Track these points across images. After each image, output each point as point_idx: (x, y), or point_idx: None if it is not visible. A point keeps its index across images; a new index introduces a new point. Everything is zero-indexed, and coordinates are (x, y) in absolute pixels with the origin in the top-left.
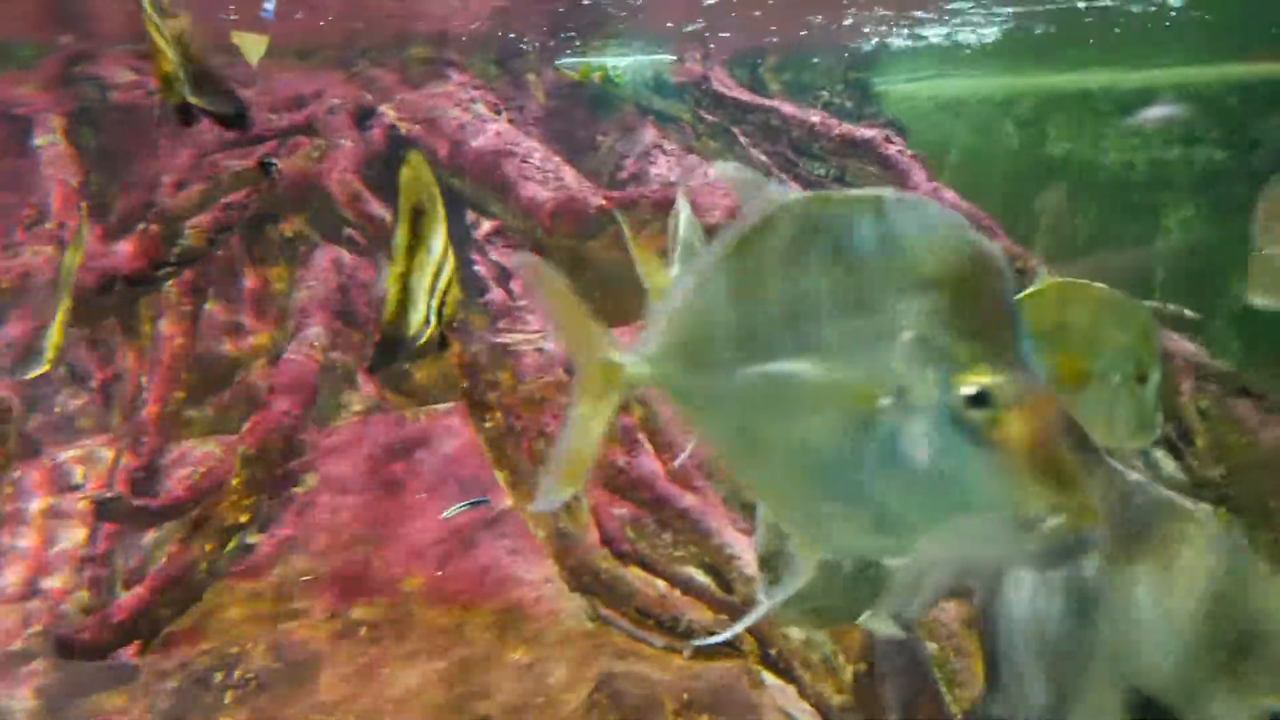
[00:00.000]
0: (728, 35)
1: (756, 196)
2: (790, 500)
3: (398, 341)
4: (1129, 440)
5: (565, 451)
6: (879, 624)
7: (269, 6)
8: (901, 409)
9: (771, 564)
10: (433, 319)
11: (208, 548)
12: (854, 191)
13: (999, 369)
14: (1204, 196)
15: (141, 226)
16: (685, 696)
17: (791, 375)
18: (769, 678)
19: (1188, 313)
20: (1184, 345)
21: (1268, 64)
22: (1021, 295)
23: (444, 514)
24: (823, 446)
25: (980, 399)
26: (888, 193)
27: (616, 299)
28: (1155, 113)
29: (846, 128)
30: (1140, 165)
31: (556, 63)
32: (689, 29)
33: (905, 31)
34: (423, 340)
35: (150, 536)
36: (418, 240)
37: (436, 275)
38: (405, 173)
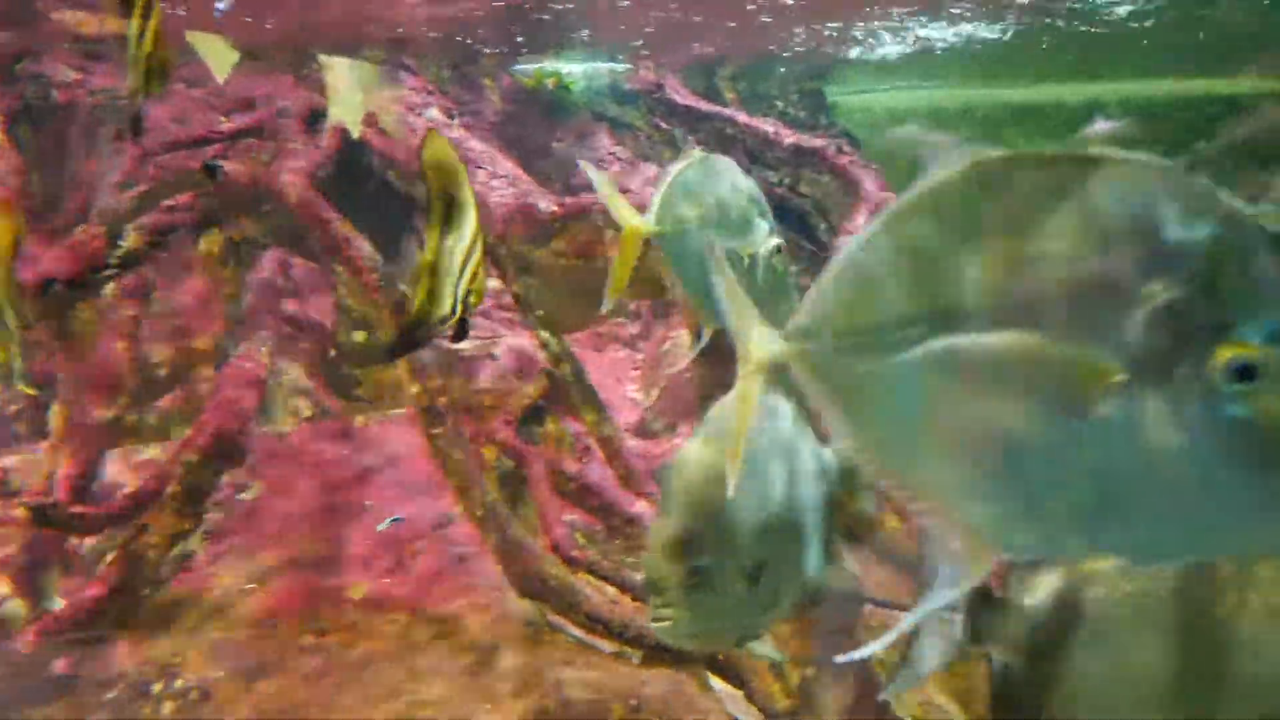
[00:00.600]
0: (684, 44)
1: (941, 156)
2: (969, 495)
3: (422, 328)
4: None
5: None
6: (761, 647)
7: (221, 6)
8: (1139, 386)
9: (659, 587)
10: (458, 308)
11: (149, 555)
12: (1067, 150)
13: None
14: None
15: (81, 228)
16: (633, 702)
17: (993, 350)
18: (717, 683)
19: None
20: None
21: (1209, 80)
22: None
23: (378, 527)
24: (1028, 430)
25: (1245, 373)
26: (1114, 152)
27: (569, 304)
28: (1101, 127)
29: (799, 137)
30: None
31: (512, 68)
32: (644, 37)
33: (860, 44)
34: (445, 326)
35: (90, 544)
36: (448, 226)
37: (465, 261)
38: (428, 154)
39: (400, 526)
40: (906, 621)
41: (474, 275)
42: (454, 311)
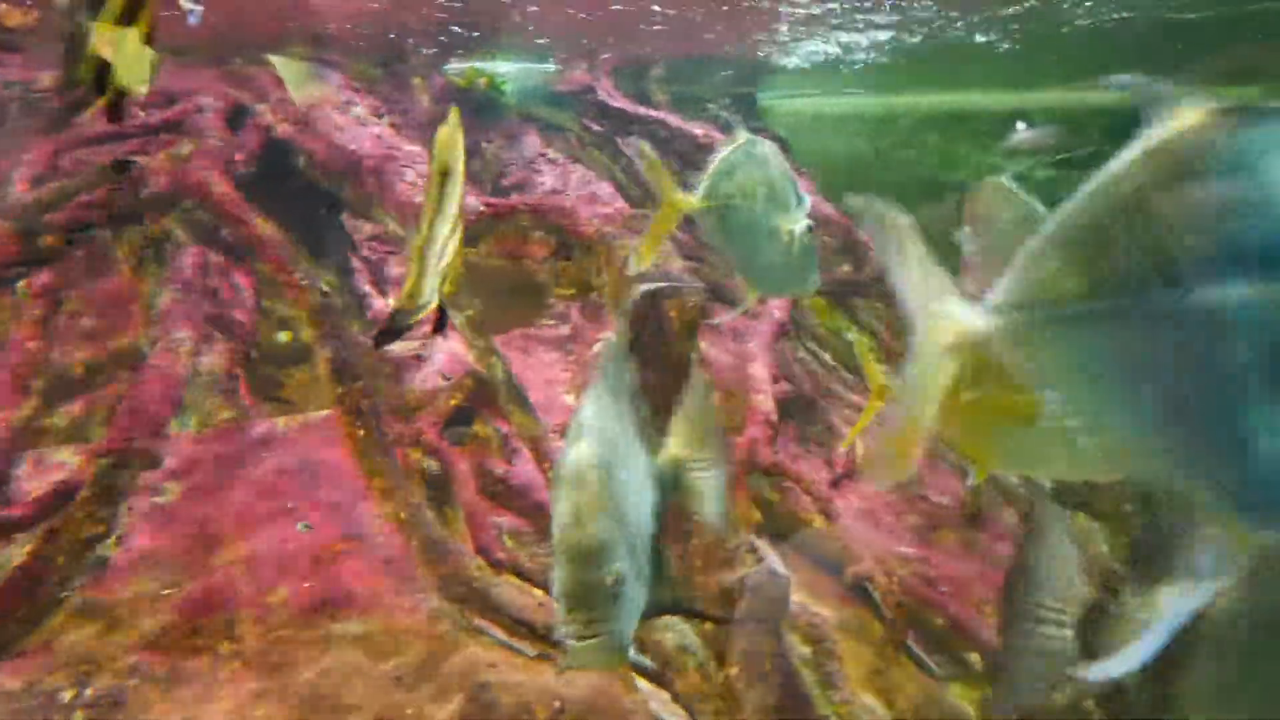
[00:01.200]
0: (615, 45)
1: (1168, 105)
2: (1230, 465)
3: (405, 315)
4: (1095, 474)
5: (897, 422)
6: (639, 656)
7: (195, 8)
8: None
9: (587, 601)
10: (434, 296)
11: (59, 560)
12: None
13: None
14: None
15: None
16: (557, 704)
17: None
18: (642, 683)
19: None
20: None
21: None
22: None
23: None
24: None
25: None
26: None
27: (497, 305)
28: (1027, 134)
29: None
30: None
31: (444, 67)
32: (576, 38)
33: (791, 49)
34: (421, 315)
35: None
36: (438, 208)
37: (444, 248)
38: (440, 131)
39: (322, 529)
40: (1169, 621)
41: (451, 264)
42: (431, 300)
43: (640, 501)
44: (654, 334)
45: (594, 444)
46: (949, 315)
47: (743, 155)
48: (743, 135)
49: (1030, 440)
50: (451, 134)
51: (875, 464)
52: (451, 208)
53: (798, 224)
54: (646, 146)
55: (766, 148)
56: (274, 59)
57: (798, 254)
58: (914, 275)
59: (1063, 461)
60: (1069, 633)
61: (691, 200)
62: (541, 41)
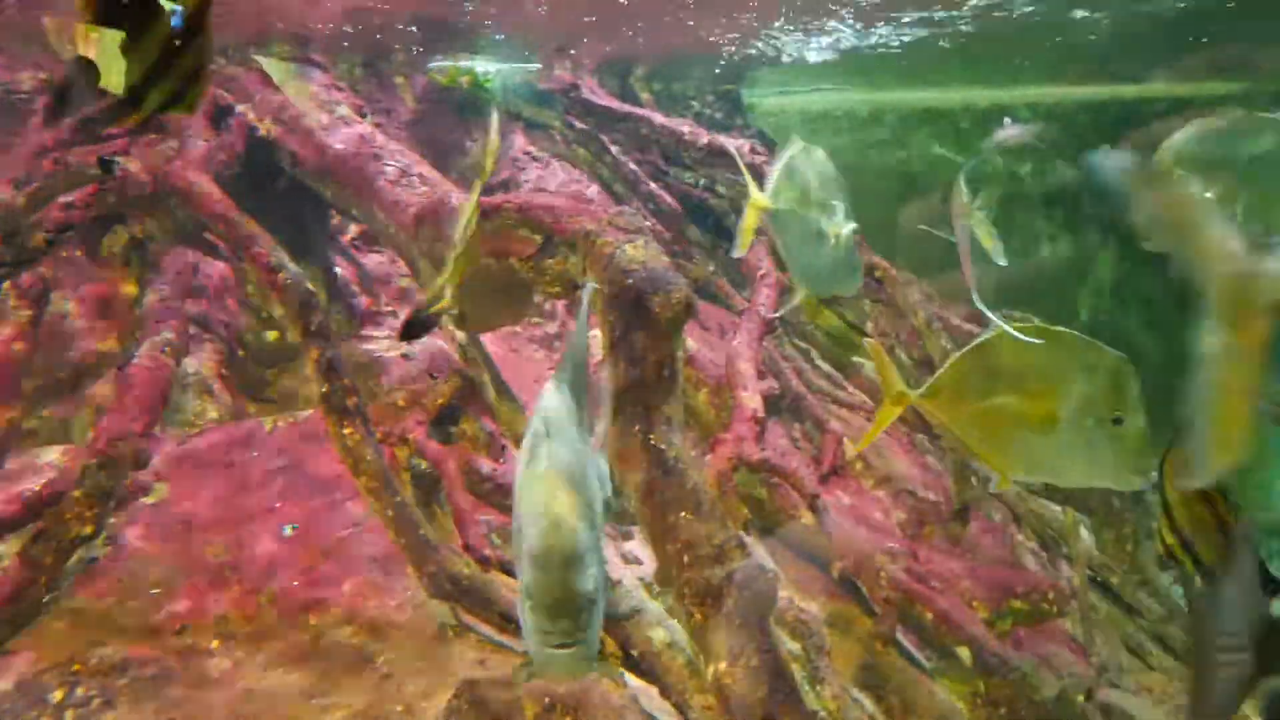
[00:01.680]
0: (598, 44)
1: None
2: None
3: (434, 310)
4: (1114, 483)
5: (1210, 408)
6: (606, 665)
7: (176, 8)
8: None
9: (565, 611)
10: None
11: (48, 561)
12: None
13: None
14: (1055, 211)
15: None
16: (546, 700)
17: None
18: (631, 679)
19: (1036, 321)
20: None
21: (1113, 85)
22: (978, 340)
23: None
24: None
25: None
26: None
27: (482, 303)
28: (1013, 130)
29: (713, 138)
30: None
31: (428, 66)
32: (559, 37)
33: (775, 46)
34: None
35: None
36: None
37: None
38: (488, 139)
39: (310, 528)
40: None
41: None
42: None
43: (595, 500)
44: (638, 331)
45: (564, 445)
46: (1263, 273)
47: (799, 160)
48: (798, 142)
49: (1050, 447)
50: (492, 141)
51: (1205, 451)
52: (469, 210)
53: (844, 227)
54: (745, 148)
55: (818, 154)
56: (260, 58)
57: (842, 255)
58: (1209, 238)
59: (1081, 470)
60: (1248, 655)
61: (765, 200)
62: (525, 39)
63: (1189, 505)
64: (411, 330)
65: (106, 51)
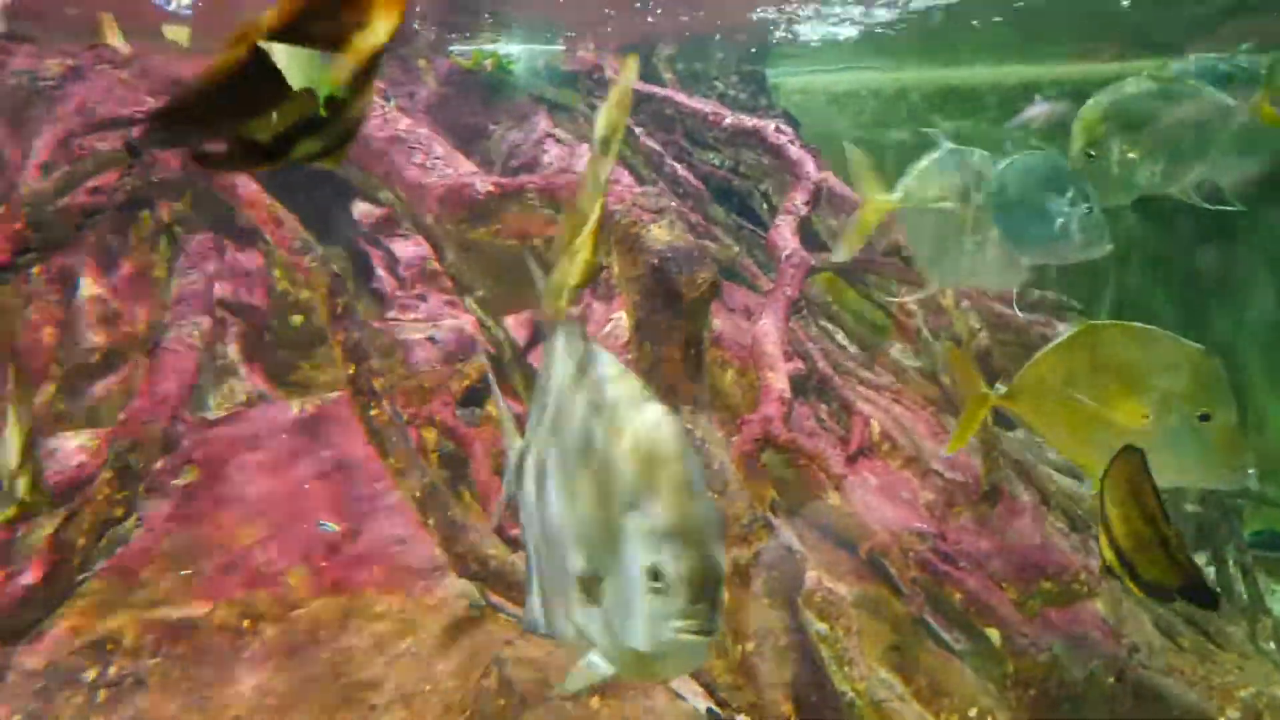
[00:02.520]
0: (621, 25)
1: None
2: None
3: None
4: (1210, 482)
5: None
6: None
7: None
8: None
9: (716, 586)
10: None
11: (79, 543)
12: None
13: None
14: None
15: (2, 211)
16: None
17: None
18: None
19: (1071, 302)
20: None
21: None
22: (1058, 339)
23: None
24: None
25: None
26: None
27: (507, 286)
28: (1041, 108)
29: (738, 118)
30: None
31: (450, 49)
32: (582, 17)
33: (800, 24)
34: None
35: (21, 532)
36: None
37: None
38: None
39: (338, 510)
40: None
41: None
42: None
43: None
44: (663, 311)
45: (636, 395)
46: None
47: (942, 162)
48: (947, 145)
49: (1141, 445)
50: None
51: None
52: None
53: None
54: (859, 152)
55: (972, 157)
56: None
57: (993, 252)
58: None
59: (1174, 469)
60: None
61: (890, 199)
62: (549, 20)
63: (1129, 521)
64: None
65: (302, 72)
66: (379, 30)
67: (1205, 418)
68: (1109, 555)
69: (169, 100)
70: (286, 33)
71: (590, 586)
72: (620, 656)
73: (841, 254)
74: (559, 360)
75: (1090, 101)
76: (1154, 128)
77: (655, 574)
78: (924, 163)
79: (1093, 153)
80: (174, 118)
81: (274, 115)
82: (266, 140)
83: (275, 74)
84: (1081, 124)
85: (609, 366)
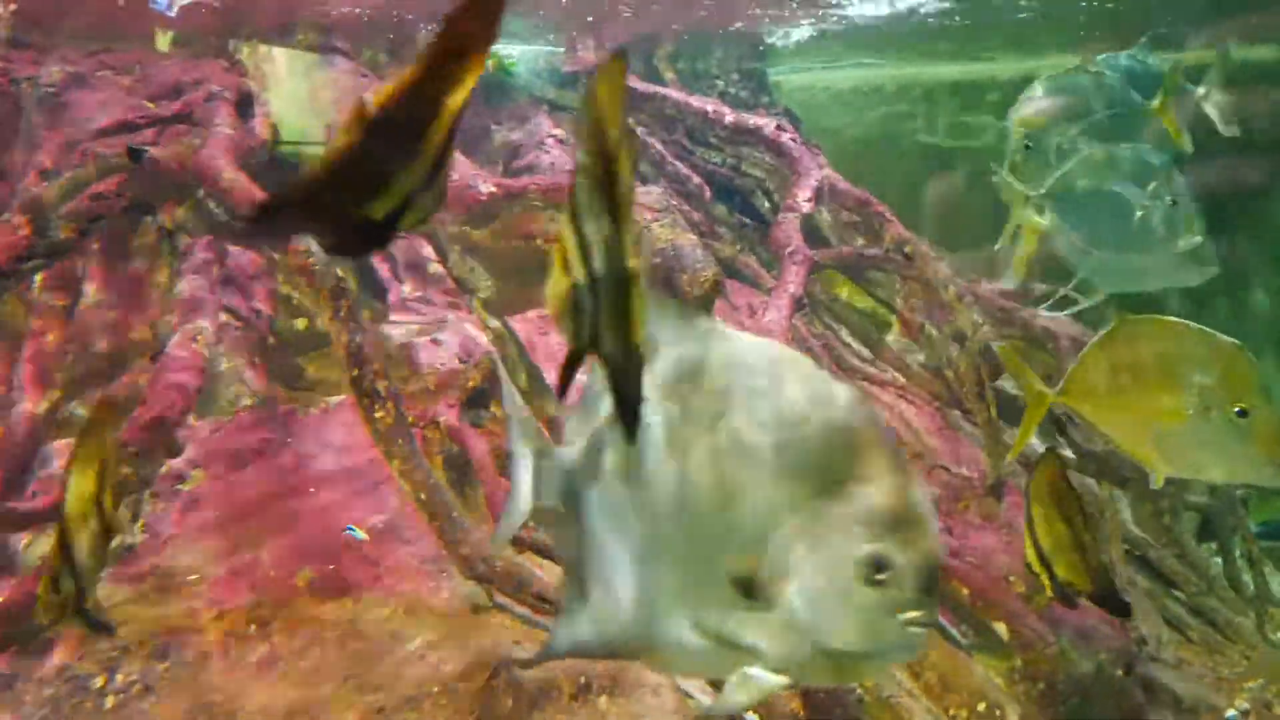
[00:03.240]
0: (621, 24)
1: None
2: None
3: None
4: (1253, 478)
5: None
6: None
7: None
8: None
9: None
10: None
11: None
12: None
13: None
14: None
15: (4, 217)
16: (582, 679)
17: None
18: None
19: (1069, 293)
20: (1067, 326)
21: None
22: (1099, 335)
23: (349, 530)
24: None
25: None
26: None
27: (510, 286)
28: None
29: (739, 116)
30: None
31: None
32: (582, 17)
33: (800, 22)
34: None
35: (25, 540)
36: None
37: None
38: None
39: (345, 512)
40: None
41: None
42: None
43: None
44: None
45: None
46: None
47: (1085, 164)
48: (1092, 147)
49: (1183, 443)
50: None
51: None
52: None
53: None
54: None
55: (1131, 155)
56: (277, 51)
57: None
58: None
59: (1216, 465)
60: None
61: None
62: (548, 22)
63: (1049, 522)
64: None
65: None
66: (467, 86)
67: (1243, 414)
68: (1030, 554)
69: (283, 192)
70: (395, 110)
71: (758, 588)
72: (814, 660)
73: (1012, 282)
74: (667, 351)
75: (1026, 95)
76: (1087, 123)
77: (877, 564)
78: (1069, 166)
79: (1030, 144)
80: (290, 210)
81: (389, 192)
82: (380, 218)
83: (390, 151)
84: (1020, 118)
85: (766, 346)
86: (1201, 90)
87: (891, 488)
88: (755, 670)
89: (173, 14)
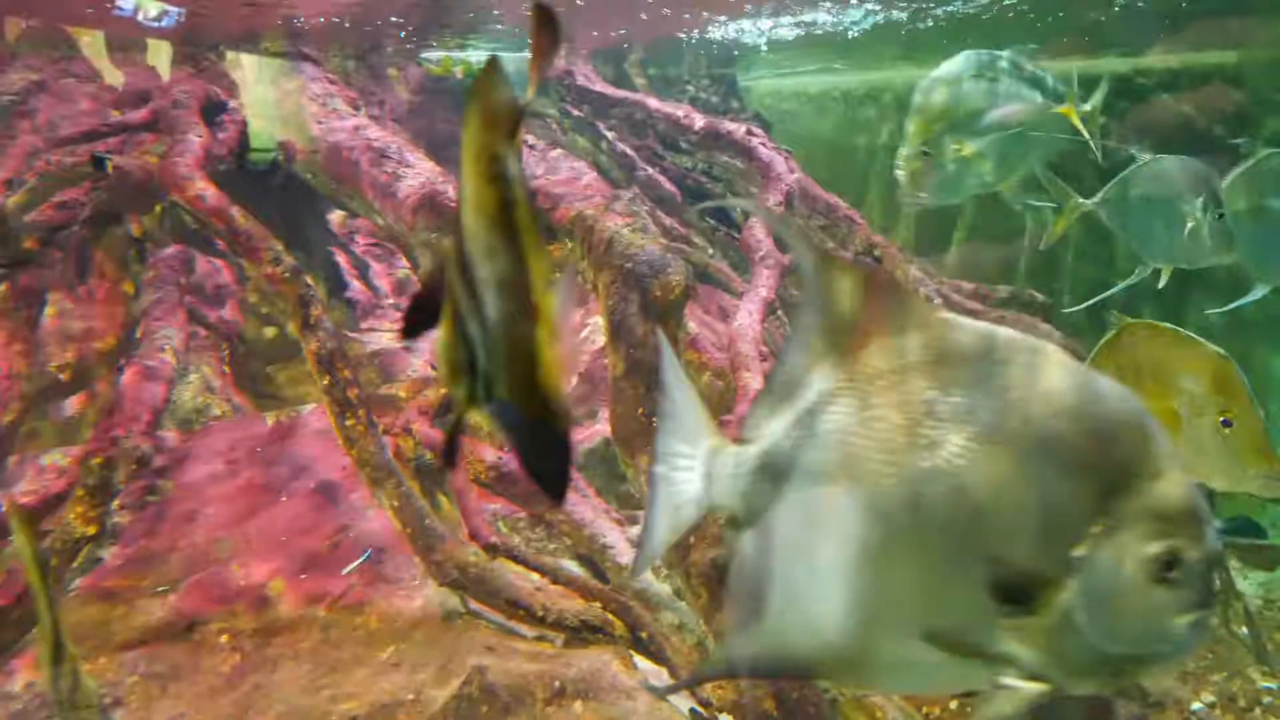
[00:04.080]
0: (591, 30)
1: None
2: None
3: None
4: (1245, 488)
5: None
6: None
7: (170, 8)
8: None
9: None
10: None
11: (53, 561)
12: None
13: None
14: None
15: None
16: (556, 684)
17: None
18: (641, 661)
19: (1039, 296)
20: (1041, 327)
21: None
22: (1109, 335)
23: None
24: None
25: None
26: None
27: None
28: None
29: (710, 121)
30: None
31: (420, 57)
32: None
33: (770, 26)
34: None
35: None
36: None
37: None
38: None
39: (315, 521)
40: None
41: None
42: None
43: None
44: (638, 315)
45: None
46: None
47: (1144, 172)
48: (1145, 157)
49: (1184, 450)
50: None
51: None
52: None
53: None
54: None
55: (1167, 167)
56: (245, 58)
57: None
58: None
59: (1214, 473)
60: None
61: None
62: (517, 28)
63: None
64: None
65: None
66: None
67: (1228, 423)
68: None
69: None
70: None
71: (1024, 592)
72: (1088, 665)
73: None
74: (886, 340)
75: (921, 99)
76: (984, 127)
77: (1168, 562)
78: (1126, 172)
79: (929, 151)
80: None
81: None
82: None
83: None
84: (917, 122)
85: (1005, 334)
86: (1087, 106)
87: (1178, 482)
88: (1012, 680)
89: (161, 24)
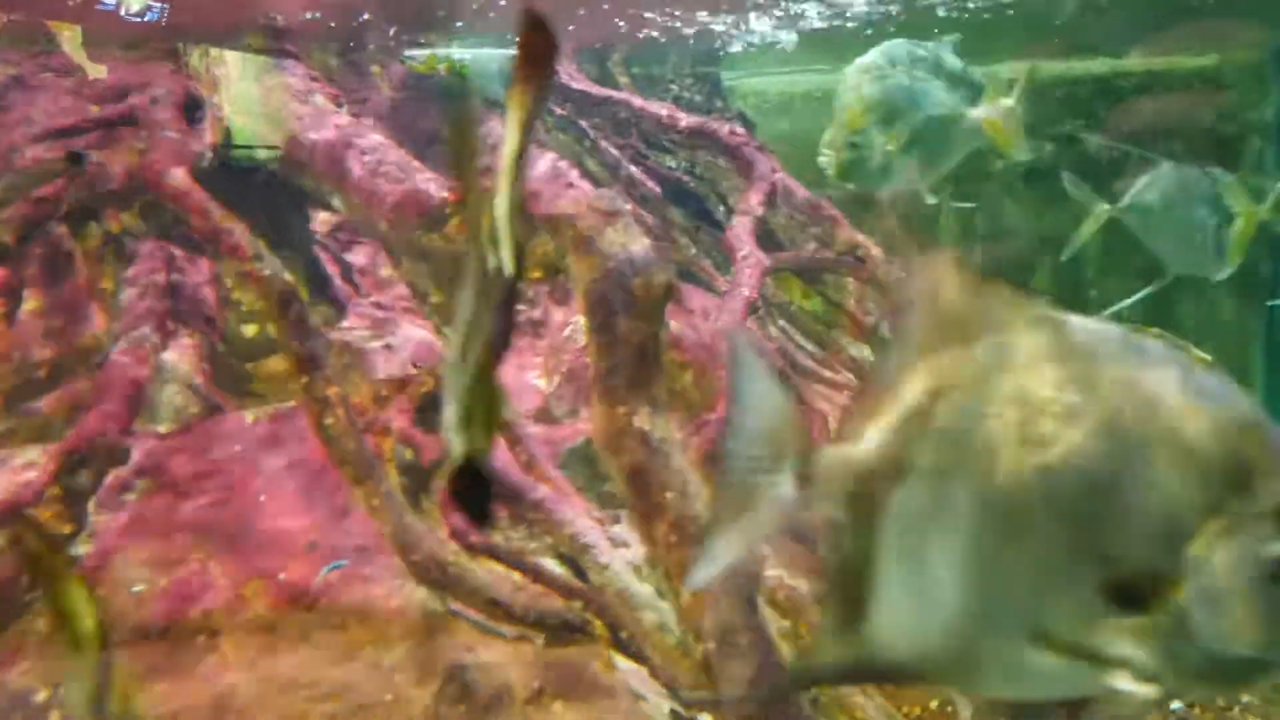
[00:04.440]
0: (574, 28)
1: None
2: None
3: None
4: None
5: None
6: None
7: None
8: None
9: None
10: None
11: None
12: None
13: None
14: (1032, 189)
15: None
16: (536, 684)
17: None
18: (621, 660)
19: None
20: None
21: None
22: None
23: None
24: None
25: None
26: None
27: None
28: (988, 109)
29: (693, 120)
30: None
31: (403, 55)
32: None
33: (754, 27)
34: None
35: None
36: None
37: None
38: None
39: (295, 520)
40: None
41: None
42: None
43: None
44: (619, 314)
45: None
46: None
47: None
48: (1166, 165)
49: None
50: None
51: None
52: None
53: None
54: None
55: (1187, 176)
56: (228, 54)
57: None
58: None
59: None
60: None
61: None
62: (501, 25)
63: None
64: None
65: None
66: None
67: None
68: None
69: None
70: None
71: (1142, 593)
72: (1202, 669)
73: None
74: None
75: (851, 93)
76: (908, 122)
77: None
78: (1145, 178)
79: (856, 141)
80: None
81: None
82: None
83: None
84: (847, 114)
85: (1109, 331)
86: (1009, 103)
87: None
88: (1123, 683)
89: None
